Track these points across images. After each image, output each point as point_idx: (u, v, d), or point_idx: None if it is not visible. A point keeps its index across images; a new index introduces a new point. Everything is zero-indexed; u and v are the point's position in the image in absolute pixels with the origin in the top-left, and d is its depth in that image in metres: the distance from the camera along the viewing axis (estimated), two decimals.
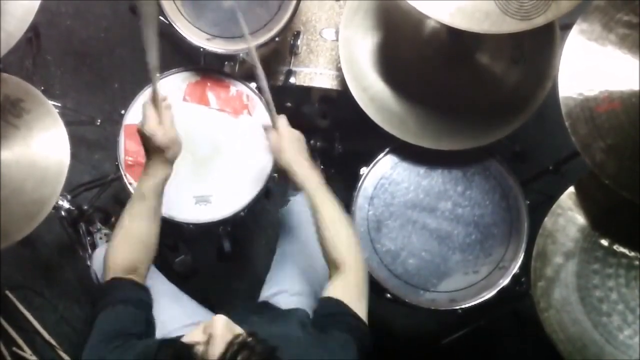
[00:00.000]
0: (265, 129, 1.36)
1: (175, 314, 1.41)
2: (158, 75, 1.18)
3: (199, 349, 0.84)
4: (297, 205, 1.64)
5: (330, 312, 1.08)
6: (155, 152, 1.18)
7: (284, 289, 1.39)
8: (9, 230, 1.40)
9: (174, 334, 1.36)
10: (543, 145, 1.97)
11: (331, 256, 1.16)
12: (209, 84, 1.57)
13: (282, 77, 1.64)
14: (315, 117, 1.90)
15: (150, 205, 1.18)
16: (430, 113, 1.53)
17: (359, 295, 1.11)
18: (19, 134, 1.45)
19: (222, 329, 0.85)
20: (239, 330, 0.88)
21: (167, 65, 1.61)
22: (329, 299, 1.09)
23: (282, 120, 1.33)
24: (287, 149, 1.28)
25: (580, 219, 1.41)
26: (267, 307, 1.38)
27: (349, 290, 1.11)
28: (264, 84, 1.30)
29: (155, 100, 1.20)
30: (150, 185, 1.18)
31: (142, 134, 1.18)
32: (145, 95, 1.54)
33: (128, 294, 1.11)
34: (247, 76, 1.62)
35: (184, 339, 0.87)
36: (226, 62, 1.80)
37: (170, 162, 1.22)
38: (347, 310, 1.06)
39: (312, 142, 1.92)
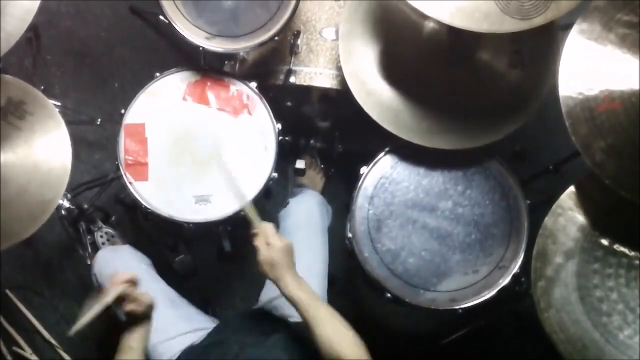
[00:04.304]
0: (255, 234, 1.22)
1: (174, 321, 1.41)
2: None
3: None
4: (295, 207, 1.64)
5: None
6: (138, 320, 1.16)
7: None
8: (13, 231, 1.41)
9: (171, 342, 1.36)
10: (543, 145, 1.97)
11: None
12: (208, 84, 1.57)
13: (282, 77, 1.64)
14: (315, 117, 1.91)
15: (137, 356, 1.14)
16: (430, 112, 1.53)
17: None
18: (21, 136, 1.45)
19: None
20: None
21: (167, 64, 1.62)
22: None
23: (270, 229, 1.21)
24: (278, 264, 1.18)
25: (580, 218, 1.40)
26: (261, 317, 1.38)
27: None
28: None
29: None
30: (136, 337, 1.15)
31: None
32: (145, 93, 1.54)
33: None
34: (247, 75, 1.62)
35: None
36: (226, 61, 1.80)
37: (149, 318, 1.18)
38: None
39: (312, 142, 1.92)
